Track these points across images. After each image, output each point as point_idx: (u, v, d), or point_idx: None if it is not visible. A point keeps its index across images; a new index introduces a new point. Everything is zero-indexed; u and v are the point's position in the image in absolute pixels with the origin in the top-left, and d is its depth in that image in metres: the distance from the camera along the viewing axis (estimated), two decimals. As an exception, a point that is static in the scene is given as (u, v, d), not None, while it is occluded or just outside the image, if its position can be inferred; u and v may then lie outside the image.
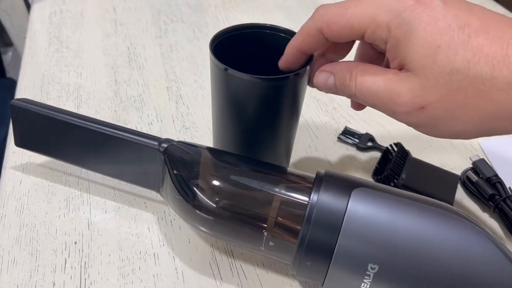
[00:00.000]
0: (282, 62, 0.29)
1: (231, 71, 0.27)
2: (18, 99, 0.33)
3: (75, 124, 0.31)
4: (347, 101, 0.47)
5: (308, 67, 0.28)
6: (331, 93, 0.28)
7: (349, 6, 0.25)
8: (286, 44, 0.29)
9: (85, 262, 0.31)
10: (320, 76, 0.28)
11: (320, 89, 0.29)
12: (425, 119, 0.24)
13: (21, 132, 0.33)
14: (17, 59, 1.09)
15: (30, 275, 0.30)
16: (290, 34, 0.30)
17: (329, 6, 0.26)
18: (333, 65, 0.28)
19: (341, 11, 0.25)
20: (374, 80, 0.25)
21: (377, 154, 0.40)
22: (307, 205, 0.25)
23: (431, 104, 0.23)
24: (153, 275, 0.30)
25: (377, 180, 0.37)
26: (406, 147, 0.39)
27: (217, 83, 0.30)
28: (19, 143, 0.34)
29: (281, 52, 0.30)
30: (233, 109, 0.30)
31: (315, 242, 0.24)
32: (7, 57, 1.21)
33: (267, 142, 0.32)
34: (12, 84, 0.84)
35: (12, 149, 0.38)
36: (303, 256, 0.25)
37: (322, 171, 0.27)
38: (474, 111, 0.23)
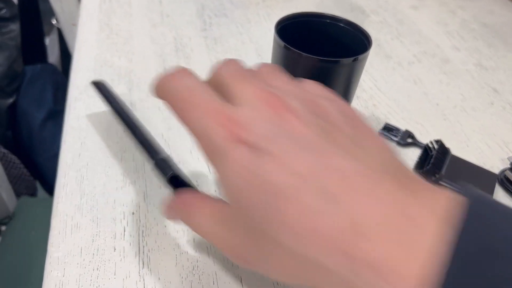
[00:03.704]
0: None
1: (294, 51, 0.29)
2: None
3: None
4: (386, 99, 0.48)
5: (368, 52, 0.30)
6: None
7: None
8: (344, 34, 0.31)
9: (142, 231, 0.32)
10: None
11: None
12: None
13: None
14: (53, 47, 1.12)
15: (93, 239, 0.32)
16: (349, 24, 0.32)
17: None
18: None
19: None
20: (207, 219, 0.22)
21: (416, 151, 0.42)
22: None
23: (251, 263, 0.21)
24: (207, 247, 0.32)
25: (418, 174, 0.38)
26: (446, 145, 0.40)
27: (278, 63, 0.32)
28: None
29: (339, 40, 0.32)
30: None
31: None
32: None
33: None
34: (52, 69, 0.87)
35: (70, 124, 0.41)
36: None
37: None
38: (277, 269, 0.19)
